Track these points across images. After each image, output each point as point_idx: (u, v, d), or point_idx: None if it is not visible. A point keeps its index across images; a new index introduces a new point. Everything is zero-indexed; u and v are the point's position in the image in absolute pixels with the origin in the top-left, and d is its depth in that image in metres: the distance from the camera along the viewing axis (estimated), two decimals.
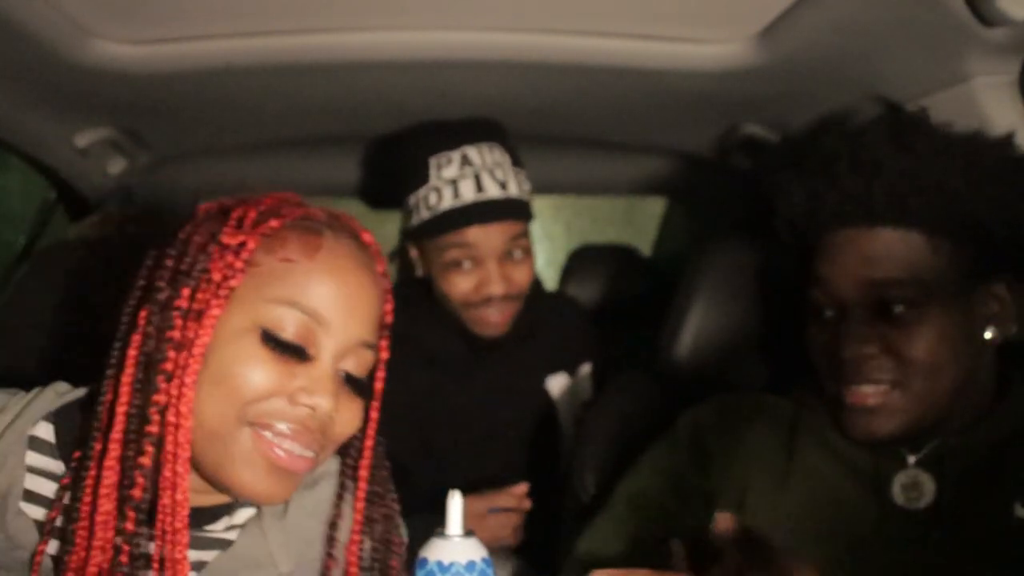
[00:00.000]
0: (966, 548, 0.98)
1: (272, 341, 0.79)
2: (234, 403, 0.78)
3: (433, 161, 1.55)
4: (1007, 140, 1.07)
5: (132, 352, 0.79)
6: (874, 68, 1.28)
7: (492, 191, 1.53)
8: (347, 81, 1.49)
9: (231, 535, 0.88)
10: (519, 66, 1.41)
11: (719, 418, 1.16)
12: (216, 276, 0.79)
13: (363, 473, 0.90)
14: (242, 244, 0.80)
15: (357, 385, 0.85)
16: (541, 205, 4.40)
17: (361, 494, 0.90)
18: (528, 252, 1.59)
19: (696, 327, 1.36)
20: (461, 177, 1.53)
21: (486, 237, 1.53)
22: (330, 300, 0.81)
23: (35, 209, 2.05)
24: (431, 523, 1.50)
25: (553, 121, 1.75)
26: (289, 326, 0.80)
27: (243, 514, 0.89)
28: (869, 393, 1.01)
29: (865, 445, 1.04)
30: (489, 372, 1.64)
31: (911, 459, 1.04)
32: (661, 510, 1.12)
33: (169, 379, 0.77)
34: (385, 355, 0.88)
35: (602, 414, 1.40)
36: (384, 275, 0.89)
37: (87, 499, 0.78)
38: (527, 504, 1.44)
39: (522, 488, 1.43)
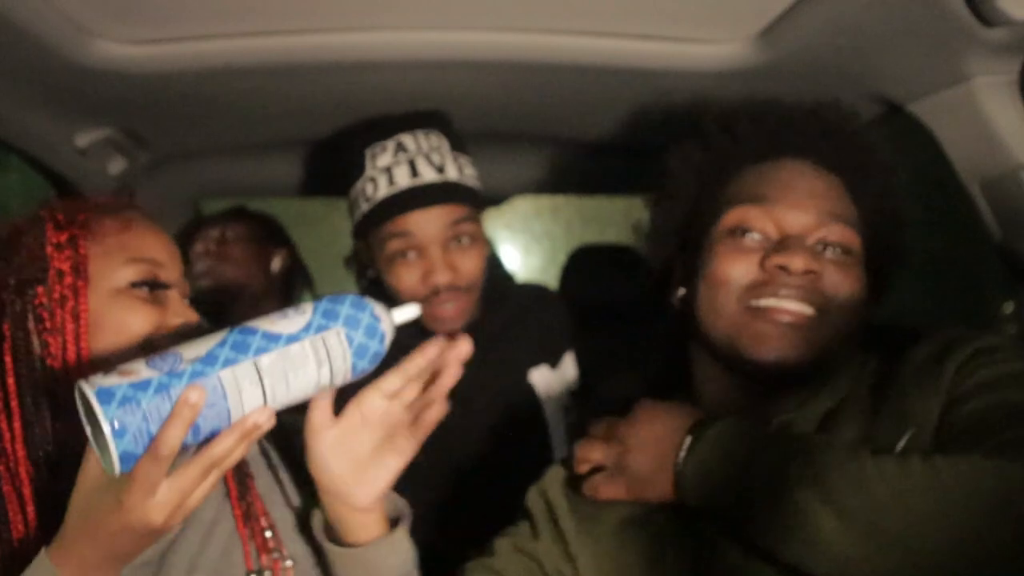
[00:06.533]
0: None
1: (142, 285, 0.98)
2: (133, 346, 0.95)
3: (368, 152, 1.53)
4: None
5: (8, 359, 0.94)
6: (874, 68, 1.28)
7: (428, 175, 1.49)
8: (346, 81, 1.49)
9: None
10: (519, 66, 1.41)
11: (568, 499, 1.10)
12: (66, 267, 0.95)
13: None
14: (72, 236, 0.97)
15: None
16: (541, 205, 4.42)
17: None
18: (476, 239, 1.53)
19: None
20: (395, 164, 1.50)
21: (425, 222, 1.48)
22: (156, 249, 1.02)
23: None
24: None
25: (553, 121, 1.75)
26: (144, 273, 0.99)
27: None
28: (794, 310, 0.97)
29: (760, 369, 0.99)
30: (465, 368, 1.61)
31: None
32: None
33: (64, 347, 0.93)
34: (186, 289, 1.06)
35: (597, 416, 1.40)
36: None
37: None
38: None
39: None
